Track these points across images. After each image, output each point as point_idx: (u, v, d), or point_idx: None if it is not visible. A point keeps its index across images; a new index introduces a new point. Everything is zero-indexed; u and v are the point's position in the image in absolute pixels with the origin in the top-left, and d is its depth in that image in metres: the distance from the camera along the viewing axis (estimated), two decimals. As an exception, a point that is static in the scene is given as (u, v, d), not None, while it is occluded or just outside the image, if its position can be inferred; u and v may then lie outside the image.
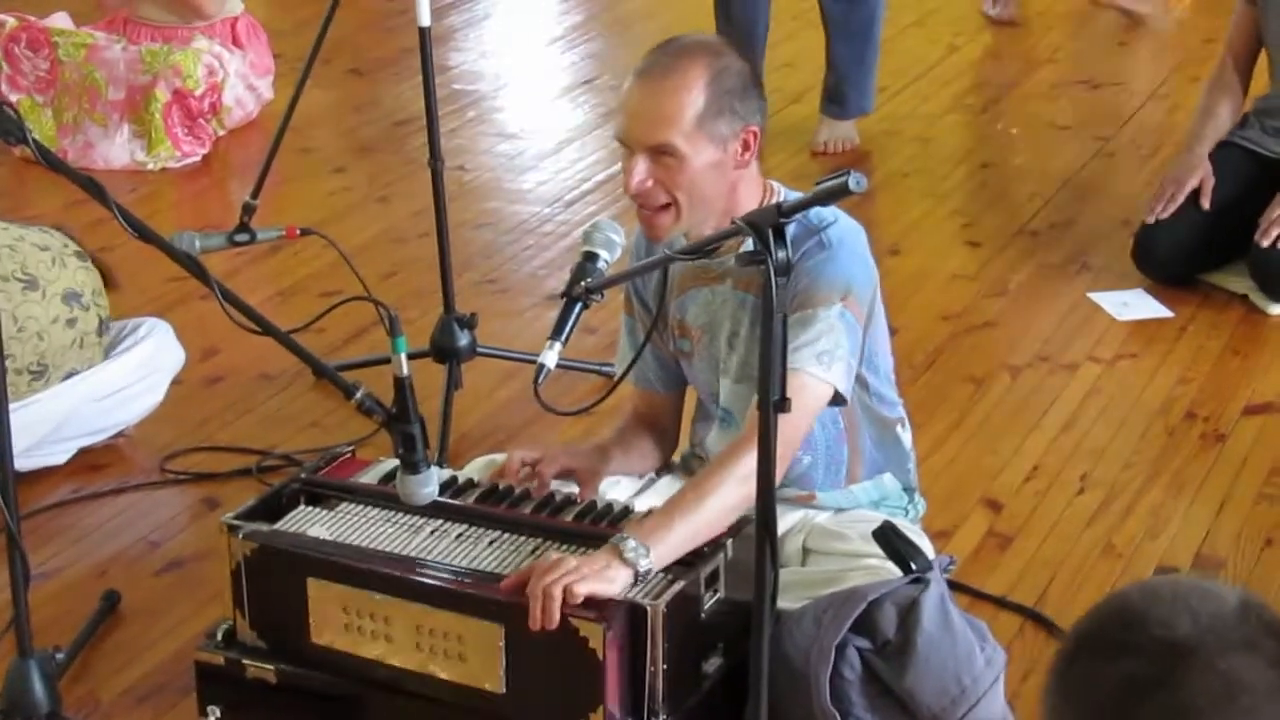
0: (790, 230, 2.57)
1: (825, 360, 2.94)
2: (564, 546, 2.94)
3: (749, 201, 3.03)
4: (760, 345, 2.50)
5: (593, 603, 2.72)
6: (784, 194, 3.09)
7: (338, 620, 2.93)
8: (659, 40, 3.11)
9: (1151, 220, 4.70)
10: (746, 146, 3.02)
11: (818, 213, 3.02)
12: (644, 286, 3.27)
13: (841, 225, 3.07)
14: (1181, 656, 1.53)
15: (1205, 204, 4.65)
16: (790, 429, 2.75)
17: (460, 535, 3.02)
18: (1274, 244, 4.51)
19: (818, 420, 3.14)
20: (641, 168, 2.99)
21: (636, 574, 2.77)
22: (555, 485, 3.15)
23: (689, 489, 2.92)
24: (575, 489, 3.16)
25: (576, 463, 3.19)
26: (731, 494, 2.85)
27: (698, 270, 3.15)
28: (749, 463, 2.78)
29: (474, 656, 2.82)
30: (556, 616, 2.70)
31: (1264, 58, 4.82)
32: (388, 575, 2.88)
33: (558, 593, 2.70)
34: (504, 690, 2.81)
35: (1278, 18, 4.71)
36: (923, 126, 6.06)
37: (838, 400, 2.99)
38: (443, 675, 2.86)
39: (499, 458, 3.27)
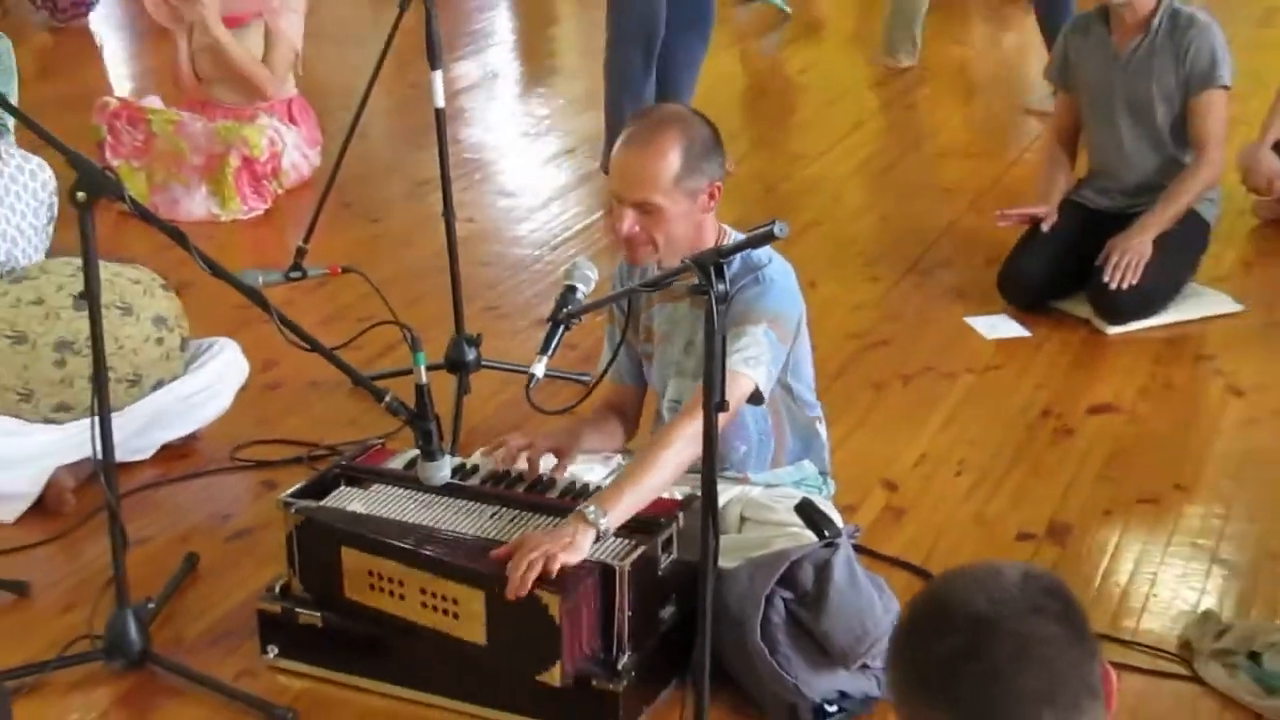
0: (734, 267, 2.57)
1: (751, 363, 2.96)
2: (547, 517, 2.95)
3: (709, 238, 3.06)
4: (705, 360, 2.51)
5: (564, 572, 2.72)
6: (731, 235, 3.10)
7: (364, 581, 2.92)
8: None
9: (1001, 221, 4.83)
10: (712, 197, 3.05)
11: (756, 254, 3.02)
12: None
13: (775, 266, 3.08)
14: (982, 627, 1.51)
15: (1045, 227, 4.74)
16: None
17: (467, 509, 3.02)
18: (1118, 285, 4.53)
19: (752, 417, 3.16)
20: (630, 218, 3.01)
21: (598, 532, 2.77)
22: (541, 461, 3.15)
23: (635, 462, 2.93)
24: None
25: (556, 442, 3.20)
26: (668, 466, 2.87)
27: (667, 289, 3.16)
28: (682, 438, 2.83)
29: (464, 615, 2.81)
30: (528, 589, 2.70)
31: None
32: (400, 548, 2.87)
33: (536, 569, 2.70)
34: (486, 643, 2.80)
35: (1089, 106, 4.78)
36: (835, 186, 6.06)
37: (758, 398, 3.00)
38: (440, 629, 2.85)
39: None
